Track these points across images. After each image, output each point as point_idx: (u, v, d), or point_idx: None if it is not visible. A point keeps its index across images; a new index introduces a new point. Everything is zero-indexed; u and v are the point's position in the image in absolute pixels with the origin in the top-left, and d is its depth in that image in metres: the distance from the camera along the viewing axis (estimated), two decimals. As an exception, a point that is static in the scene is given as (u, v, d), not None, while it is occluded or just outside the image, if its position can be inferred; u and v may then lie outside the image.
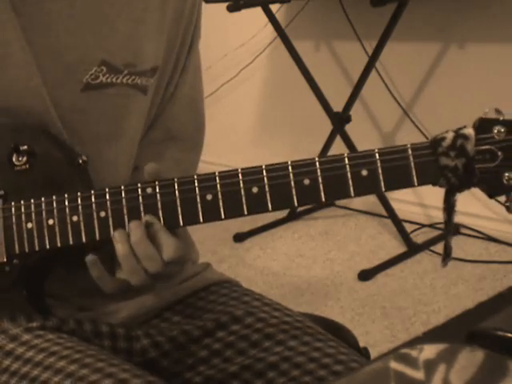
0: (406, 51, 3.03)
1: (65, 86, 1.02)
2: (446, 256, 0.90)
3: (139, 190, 0.93)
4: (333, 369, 0.98)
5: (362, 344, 1.18)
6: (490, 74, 2.80)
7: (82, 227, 0.94)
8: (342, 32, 3.10)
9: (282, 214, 3.18)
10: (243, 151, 3.50)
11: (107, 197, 0.94)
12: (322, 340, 1.03)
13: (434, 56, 2.98)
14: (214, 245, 2.98)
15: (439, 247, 2.78)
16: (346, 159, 0.86)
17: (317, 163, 0.87)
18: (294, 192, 0.88)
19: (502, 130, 0.82)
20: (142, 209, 0.93)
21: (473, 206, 2.86)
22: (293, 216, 3.19)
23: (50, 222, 0.95)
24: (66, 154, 0.99)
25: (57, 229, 0.95)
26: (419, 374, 0.61)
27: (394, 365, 0.62)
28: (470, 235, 2.89)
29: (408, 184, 0.86)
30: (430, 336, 0.69)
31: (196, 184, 0.91)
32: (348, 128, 2.90)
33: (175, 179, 0.92)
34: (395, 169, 0.85)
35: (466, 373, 0.60)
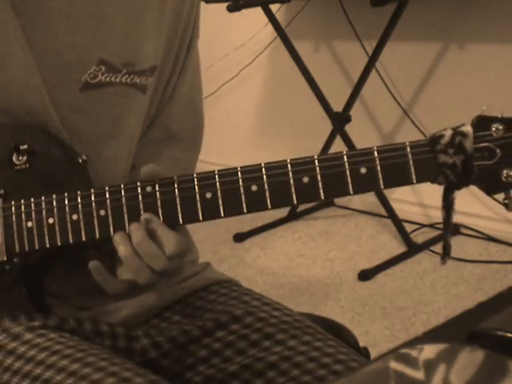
0: (406, 51, 3.03)
1: (64, 85, 1.02)
2: (445, 254, 0.90)
3: (139, 188, 0.93)
4: (332, 368, 0.98)
5: (361, 344, 1.18)
6: (489, 74, 2.80)
7: (82, 226, 0.94)
8: (342, 32, 3.10)
9: (281, 213, 3.18)
10: (243, 151, 3.50)
11: (107, 195, 0.94)
12: (322, 339, 1.03)
13: (434, 56, 2.98)
14: (214, 245, 2.98)
15: (439, 247, 2.78)
16: (345, 157, 0.87)
17: (316, 161, 0.88)
18: (293, 190, 0.88)
19: (501, 127, 0.83)
20: (141, 207, 0.93)
21: (473, 205, 2.86)
22: (293, 216, 3.19)
23: (50, 220, 0.96)
24: (66, 153, 0.99)
25: (57, 227, 0.95)
26: (419, 374, 0.61)
27: (394, 365, 0.62)
28: (470, 235, 2.89)
29: (407, 181, 0.86)
30: (430, 336, 0.69)
31: (195, 182, 0.91)
32: (348, 128, 2.90)
33: (175, 177, 0.92)
34: (394, 166, 0.86)
35: (466, 373, 0.60)
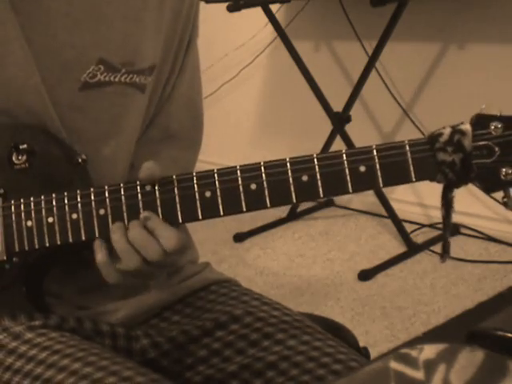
0: (406, 51, 3.03)
1: (63, 85, 1.02)
2: (445, 252, 0.90)
3: (138, 187, 0.93)
4: (332, 368, 0.98)
5: (361, 344, 1.18)
6: (489, 75, 2.80)
7: (82, 225, 0.94)
8: (342, 32, 3.10)
9: (282, 213, 3.18)
10: (243, 151, 3.50)
11: (106, 194, 0.94)
12: (321, 339, 1.03)
13: (434, 56, 2.98)
14: (214, 245, 2.98)
15: (439, 247, 2.75)
16: (344, 155, 0.87)
17: (315, 160, 0.88)
18: (292, 188, 0.88)
19: (499, 125, 0.83)
20: (141, 206, 0.93)
21: (473, 206, 2.86)
22: (293, 216, 3.19)
23: (50, 220, 0.96)
24: (66, 152, 0.99)
25: (56, 227, 0.95)
26: (419, 374, 0.61)
27: (394, 365, 0.62)
28: (470, 235, 2.89)
29: (406, 180, 0.86)
30: (430, 336, 0.69)
31: (195, 181, 0.91)
32: (348, 128, 2.90)
33: (174, 176, 0.92)
34: (393, 165, 0.86)
35: (466, 373, 0.60)
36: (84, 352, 0.94)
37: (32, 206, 0.97)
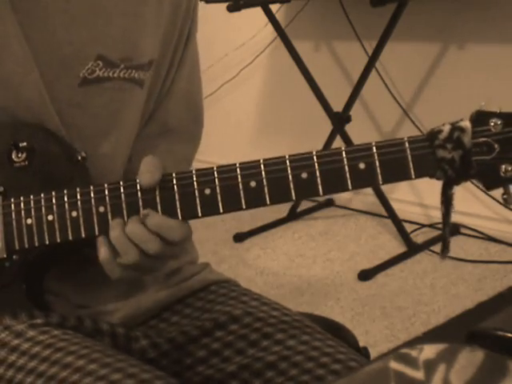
0: (406, 51, 3.03)
1: (62, 81, 1.02)
2: (445, 249, 0.90)
3: (138, 185, 0.93)
4: (331, 368, 0.98)
5: (361, 344, 1.18)
6: (489, 75, 2.80)
7: (82, 223, 0.95)
8: (342, 32, 3.10)
9: (281, 213, 3.18)
10: (243, 151, 3.50)
11: (106, 192, 0.94)
12: (321, 339, 1.03)
13: (434, 56, 2.98)
14: (214, 245, 2.98)
15: (439, 247, 2.77)
16: (344, 153, 0.87)
17: (314, 157, 0.88)
18: (291, 186, 0.88)
19: (499, 122, 0.83)
20: (140, 204, 0.93)
21: (473, 206, 2.86)
22: (293, 216, 3.19)
23: (50, 217, 0.96)
24: (65, 150, 0.99)
25: (56, 224, 0.95)
26: (419, 374, 0.61)
27: (394, 365, 0.62)
28: (470, 235, 2.89)
29: (405, 177, 0.86)
30: (430, 336, 0.69)
31: (194, 178, 0.91)
32: (348, 128, 2.90)
33: (174, 174, 0.92)
34: (392, 162, 0.86)
35: (466, 373, 0.60)
36: (88, 349, 0.94)
37: (32, 204, 0.97)
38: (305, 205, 3.24)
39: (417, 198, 3.10)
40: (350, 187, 0.87)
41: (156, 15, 1.08)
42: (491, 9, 2.78)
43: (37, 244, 0.97)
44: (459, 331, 0.67)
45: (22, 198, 0.97)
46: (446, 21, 2.91)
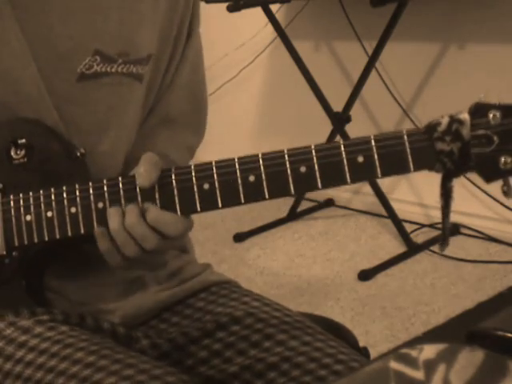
0: (406, 51, 3.03)
1: (59, 76, 1.02)
2: (444, 242, 0.90)
3: (137, 180, 0.93)
4: (333, 368, 0.97)
5: (361, 344, 1.18)
6: (490, 74, 2.80)
7: (80, 219, 0.95)
8: (342, 32, 3.10)
9: (281, 213, 3.18)
10: (243, 151, 3.48)
11: (105, 188, 0.94)
12: (323, 340, 1.03)
13: (434, 56, 2.98)
14: (214, 245, 2.98)
15: (439, 250, 2.77)
16: (342, 146, 0.87)
17: (313, 151, 0.88)
18: (290, 180, 0.88)
19: (498, 114, 0.82)
20: (139, 199, 0.93)
21: (473, 206, 2.86)
22: (293, 216, 3.19)
23: (49, 214, 0.96)
24: (64, 147, 0.99)
25: (55, 221, 0.96)
26: (419, 374, 0.61)
27: (394, 365, 0.62)
28: (470, 235, 2.89)
29: (404, 170, 0.85)
30: (430, 336, 0.69)
31: (193, 173, 0.91)
32: (348, 128, 2.90)
33: (172, 169, 0.92)
34: (391, 155, 0.85)
35: (466, 373, 0.60)
36: (97, 346, 0.94)
37: (31, 201, 0.97)
38: (305, 205, 3.24)
39: (417, 198, 3.10)
40: (348, 180, 0.87)
41: (152, 10, 1.08)
42: (491, 9, 2.78)
43: (36, 240, 0.97)
44: (459, 331, 0.67)
45: (21, 195, 0.97)
46: (446, 21, 2.91)
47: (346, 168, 0.87)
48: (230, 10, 2.67)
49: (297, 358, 0.99)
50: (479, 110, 0.83)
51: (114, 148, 1.07)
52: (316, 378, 0.97)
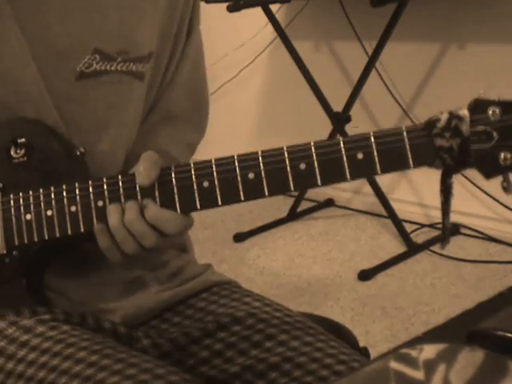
0: (406, 51, 3.03)
1: (59, 75, 1.02)
2: (444, 239, 0.90)
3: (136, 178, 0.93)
4: (335, 369, 0.97)
5: (361, 344, 1.18)
6: (490, 74, 2.80)
7: (80, 217, 0.95)
8: (342, 32, 3.10)
9: (281, 213, 3.18)
10: (243, 151, 3.50)
11: (105, 187, 0.94)
12: (324, 340, 1.03)
13: (434, 56, 2.98)
14: (214, 245, 2.98)
15: (439, 247, 2.78)
16: (342, 143, 0.87)
17: (312, 148, 0.88)
18: (290, 177, 0.88)
19: (497, 110, 0.82)
20: (139, 197, 0.93)
21: (473, 205, 2.86)
22: (293, 216, 3.19)
23: (49, 212, 0.96)
24: (64, 146, 0.99)
25: (55, 219, 0.96)
26: (419, 374, 0.61)
27: (394, 365, 0.62)
28: (470, 235, 2.89)
29: (404, 166, 0.85)
30: (430, 336, 0.69)
31: (193, 171, 0.91)
32: (348, 128, 2.90)
33: (172, 167, 0.93)
34: (391, 151, 0.85)
35: (466, 373, 0.60)
36: (100, 345, 0.94)
37: (31, 200, 0.97)
38: (305, 205, 3.24)
39: (417, 198, 3.10)
40: (348, 177, 0.87)
41: (152, 8, 1.08)
42: (491, 9, 2.78)
43: (36, 239, 0.97)
44: (459, 331, 0.67)
45: (20, 194, 0.97)
46: (446, 21, 2.91)
47: (346, 165, 0.87)
48: (230, 10, 2.67)
49: (298, 359, 0.99)
50: (479, 106, 0.83)
51: (114, 146, 1.07)
52: (318, 378, 0.97)
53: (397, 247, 2.86)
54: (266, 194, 0.90)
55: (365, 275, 2.67)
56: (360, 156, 0.86)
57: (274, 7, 2.94)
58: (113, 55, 1.03)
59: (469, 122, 0.83)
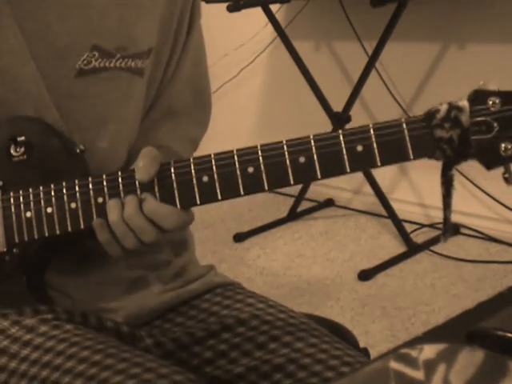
0: (406, 51, 3.03)
1: (58, 73, 1.02)
2: (446, 231, 0.89)
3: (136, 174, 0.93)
4: (340, 370, 0.97)
5: (362, 344, 1.17)
6: (490, 74, 2.80)
7: (80, 214, 0.95)
8: (342, 32, 3.10)
9: (281, 213, 3.18)
10: (243, 151, 3.50)
11: (104, 183, 0.94)
12: (328, 342, 1.02)
13: (434, 56, 2.98)
14: (214, 245, 2.98)
15: (439, 247, 2.78)
16: (341, 135, 0.86)
17: (312, 141, 0.87)
18: (289, 170, 0.88)
19: (497, 101, 0.82)
20: (138, 193, 0.93)
21: (473, 205, 2.86)
22: (293, 216, 3.19)
23: (49, 210, 0.96)
24: (64, 143, 0.99)
25: (55, 216, 0.96)
26: (419, 374, 0.61)
27: (394, 365, 0.62)
28: (470, 235, 2.89)
29: (404, 158, 0.85)
30: (430, 336, 0.69)
31: (192, 166, 0.91)
32: (348, 128, 2.90)
33: (171, 162, 0.92)
34: (390, 143, 0.85)
35: (466, 373, 0.60)
36: (103, 344, 0.94)
37: (31, 197, 0.97)
38: (305, 205, 3.24)
39: (417, 198, 3.10)
40: (348, 170, 0.87)
41: (151, 3, 1.08)
42: (491, 8, 2.78)
43: (36, 237, 0.97)
44: (459, 331, 0.67)
45: (21, 192, 0.97)
46: (446, 21, 2.91)
47: (345, 157, 0.86)
48: (230, 10, 2.66)
49: (303, 360, 0.99)
50: (478, 97, 0.83)
51: (115, 143, 1.07)
52: (322, 379, 0.96)
53: (397, 247, 2.86)
54: (266, 188, 0.90)
55: (365, 275, 2.67)
56: (360, 148, 0.86)
57: (274, 7, 2.94)
58: (112, 52, 1.03)
59: (469, 112, 0.82)
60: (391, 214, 2.88)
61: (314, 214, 3.25)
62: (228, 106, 3.59)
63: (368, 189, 2.95)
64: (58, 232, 0.96)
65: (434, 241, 2.83)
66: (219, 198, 0.91)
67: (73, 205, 0.95)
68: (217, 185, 0.90)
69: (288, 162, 0.88)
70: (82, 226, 0.95)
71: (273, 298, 1.12)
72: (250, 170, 0.89)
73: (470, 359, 0.62)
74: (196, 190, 0.91)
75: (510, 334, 0.65)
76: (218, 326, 1.05)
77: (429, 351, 0.63)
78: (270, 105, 3.55)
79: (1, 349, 0.95)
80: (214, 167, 0.90)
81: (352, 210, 3.26)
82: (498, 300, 0.77)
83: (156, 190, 0.93)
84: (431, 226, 2.98)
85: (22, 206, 0.97)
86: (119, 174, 0.94)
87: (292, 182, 0.89)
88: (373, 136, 0.85)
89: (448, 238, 0.89)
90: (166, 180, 0.92)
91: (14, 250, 0.98)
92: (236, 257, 2.91)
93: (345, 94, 2.95)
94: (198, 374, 1.02)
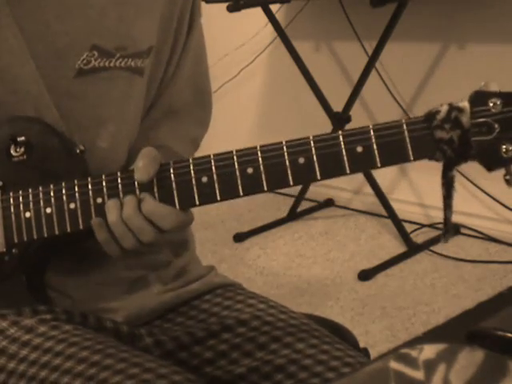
0: (406, 51, 3.03)
1: (58, 73, 1.02)
2: (447, 232, 0.89)
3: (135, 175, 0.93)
4: (341, 371, 0.97)
5: (362, 344, 1.17)
6: (489, 74, 2.80)
7: (79, 214, 0.95)
8: (342, 32, 3.10)
9: (282, 213, 3.18)
10: (243, 151, 3.50)
11: (103, 183, 0.94)
12: (329, 343, 1.02)
13: (434, 56, 2.98)
14: (214, 245, 2.98)
15: (439, 247, 2.78)
16: (341, 136, 0.86)
17: (311, 142, 0.87)
18: (289, 171, 0.88)
19: (498, 102, 0.82)
20: (137, 193, 0.93)
21: (473, 205, 2.86)
22: (293, 216, 3.19)
23: (48, 210, 0.96)
24: (63, 143, 0.99)
25: (54, 217, 0.96)
26: (419, 374, 0.61)
27: (394, 365, 0.62)
28: (470, 235, 2.89)
29: (404, 159, 0.85)
30: (430, 336, 0.69)
31: (191, 167, 0.91)
32: (348, 128, 2.90)
33: (171, 163, 0.92)
34: (390, 144, 0.85)
35: (466, 373, 0.60)
36: (102, 345, 0.94)
37: (30, 198, 0.97)
38: (305, 205, 3.24)
39: (417, 198, 3.10)
40: (347, 171, 0.86)
41: (151, 3, 1.07)
42: (491, 8, 2.78)
43: (35, 237, 0.97)
44: (459, 331, 0.67)
45: (20, 192, 0.98)
46: (446, 21, 2.91)
47: (345, 158, 0.86)
48: (230, 10, 2.66)
49: (304, 361, 0.99)
50: (479, 98, 0.82)
51: (115, 143, 1.07)
52: (323, 380, 0.96)
53: (397, 247, 2.86)
54: (265, 188, 0.89)
55: (365, 275, 2.67)
56: (359, 149, 0.86)
57: (274, 7, 2.94)
58: (111, 51, 1.03)
59: (469, 113, 0.82)
60: (391, 214, 2.88)
61: (313, 214, 3.25)
62: (228, 106, 3.59)
63: (368, 189, 2.95)
64: (57, 232, 0.96)
65: (434, 241, 2.83)
66: (218, 198, 0.91)
67: (72, 205, 0.95)
68: (216, 185, 0.90)
69: (287, 162, 0.88)
70: (81, 227, 0.95)
71: (273, 298, 1.12)
72: (250, 170, 0.89)
73: (470, 359, 0.62)
74: (195, 190, 0.91)
75: (510, 334, 0.65)
76: (219, 326, 1.05)
77: (429, 351, 0.63)
78: (270, 105, 3.55)
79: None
80: (213, 168, 0.90)
81: (352, 210, 3.26)
82: (498, 300, 0.77)
83: (155, 190, 0.93)
84: (431, 226, 2.98)
85: (21, 206, 0.97)
86: (118, 174, 0.94)
87: (291, 183, 0.89)
88: (373, 137, 0.85)
89: (449, 239, 0.89)
90: (166, 180, 0.92)
91: (14, 250, 0.98)
92: (236, 257, 2.91)
93: (345, 94, 2.95)
94: (198, 374, 1.02)
